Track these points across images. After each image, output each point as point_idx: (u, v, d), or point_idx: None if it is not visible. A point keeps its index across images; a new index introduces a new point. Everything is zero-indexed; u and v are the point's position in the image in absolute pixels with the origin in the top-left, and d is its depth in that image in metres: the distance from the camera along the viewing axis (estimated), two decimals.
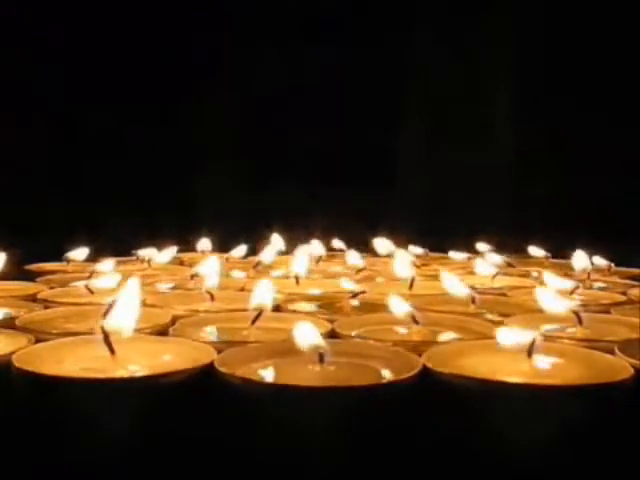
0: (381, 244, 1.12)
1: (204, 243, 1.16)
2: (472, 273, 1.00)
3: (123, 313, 0.57)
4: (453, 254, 1.12)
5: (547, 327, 0.66)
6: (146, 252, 1.06)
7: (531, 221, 1.31)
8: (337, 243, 1.20)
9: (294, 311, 0.73)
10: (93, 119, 1.57)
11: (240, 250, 1.12)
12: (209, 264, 0.89)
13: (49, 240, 1.09)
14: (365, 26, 1.60)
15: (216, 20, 1.57)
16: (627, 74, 1.44)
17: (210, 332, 0.66)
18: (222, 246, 1.15)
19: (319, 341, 0.53)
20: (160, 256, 1.04)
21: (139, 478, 0.49)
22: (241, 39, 1.61)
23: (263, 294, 0.67)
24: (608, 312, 0.73)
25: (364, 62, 1.62)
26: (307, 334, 0.54)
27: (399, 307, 0.66)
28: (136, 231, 1.15)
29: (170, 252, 1.06)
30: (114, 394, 0.49)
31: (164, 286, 0.90)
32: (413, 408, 0.50)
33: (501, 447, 0.48)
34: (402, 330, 0.66)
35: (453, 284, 0.77)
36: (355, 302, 0.77)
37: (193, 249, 1.17)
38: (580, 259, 0.98)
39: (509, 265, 1.04)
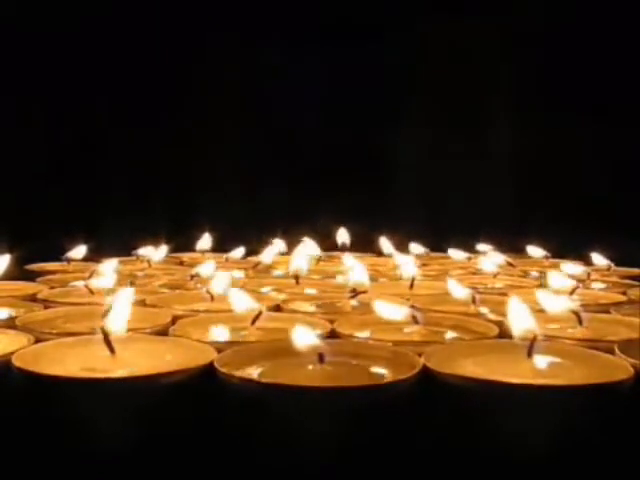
0: (381, 244, 1.12)
1: (204, 242, 1.16)
2: (472, 273, 1.00)
3: (118, 314, 0.57)
4: (452, 252, 1.12)
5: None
6: (145, 251, 1.06)
7: (531, 221, 1.30)
8: (342, 236, 1.19)
9: (294, 311, 0.73)
10: (93, 119, 1.57)
11: (238, 252, 1.12)
12: (211, 266, 0.89)
13: (49, 240, 1.09)
14: (365, 25, 1.60)
15: (215, 20, 1.57)
16: (627, 73, 1.44)
17: (210, 332, 0.66)
18: (221, 246, 1.15)
19: (317, 342, 0.53)
20: (155, 254, 1.04)
21: (139, 478, 0.49)
22: (241, 39, 1.60)
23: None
24: (608, 312, 0.73)
25: (364, 62, 1.62)
26: (304, 336, 0.54)
27: (396, 311, 0.66)
28: (135, 231, 1.15)
29: (163, 250, 1.06)
30: (114, 394, 0.49)
31: (164, 286, 0.90)
32: (413, 408, 0.50)
33: (501, 447, 0.48)
34: (402, 330, 0.66)
35: (457, 289, 0.76)
36: (355, 302, 0.77)
37: (191, 249, 1.17)
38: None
39: (509, 265, 1.04)
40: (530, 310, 0.58)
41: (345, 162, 1.59)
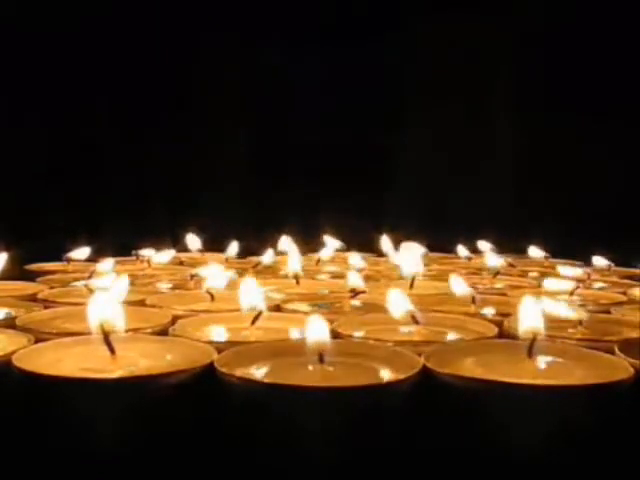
0: (382, 244, 1.12)
1: (191, 240, 1.15)
2: (473, 273, 1.00)
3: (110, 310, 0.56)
4: (460, 249, 1.12)
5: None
6: (146, 252, 1.06)
7: (531, 221, 1.30)
8: (331, 241, 1.18)
9: (294, 311, 0.73)
10: (93, 119, 1.57)
11: (233, 247, 1.11)
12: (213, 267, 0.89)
13: (49, 240, 1.09)
14: (365, 25, 1.60)
15: (216, 21, 1.57)
16: (627, 73, 1.44)
17: (210, 332, 0.66)
18: (221, 247, 1.15)
19: (324, 339, 0.53)
20: (159, 257, 1.04)
21: (139, 478, 0.49)
22: (242, 39, 1.60)
23: (252, 295, 0.67)
24: (608, 312, 0.73)
25: (365, 61, 1.62)
26: (316, 331, 0.54)
27: (399, 307, 0.66)
28: (135, 231, 1.15)
29: (169, 253, 1.06)
30: (114, 394, 0.49)
31: (164, 286, 0.90)
32: (413, 408, 0.50)
33: (501, 447, 0.48)
34: (402, 330, 0.66)
35: (459, 286, 0.76)
36: (355, 302, 0.77)
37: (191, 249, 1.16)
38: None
39: (510, 265, 1.04)
40: (541, 310, 0.57)
41: (345, 162, 1.59)
